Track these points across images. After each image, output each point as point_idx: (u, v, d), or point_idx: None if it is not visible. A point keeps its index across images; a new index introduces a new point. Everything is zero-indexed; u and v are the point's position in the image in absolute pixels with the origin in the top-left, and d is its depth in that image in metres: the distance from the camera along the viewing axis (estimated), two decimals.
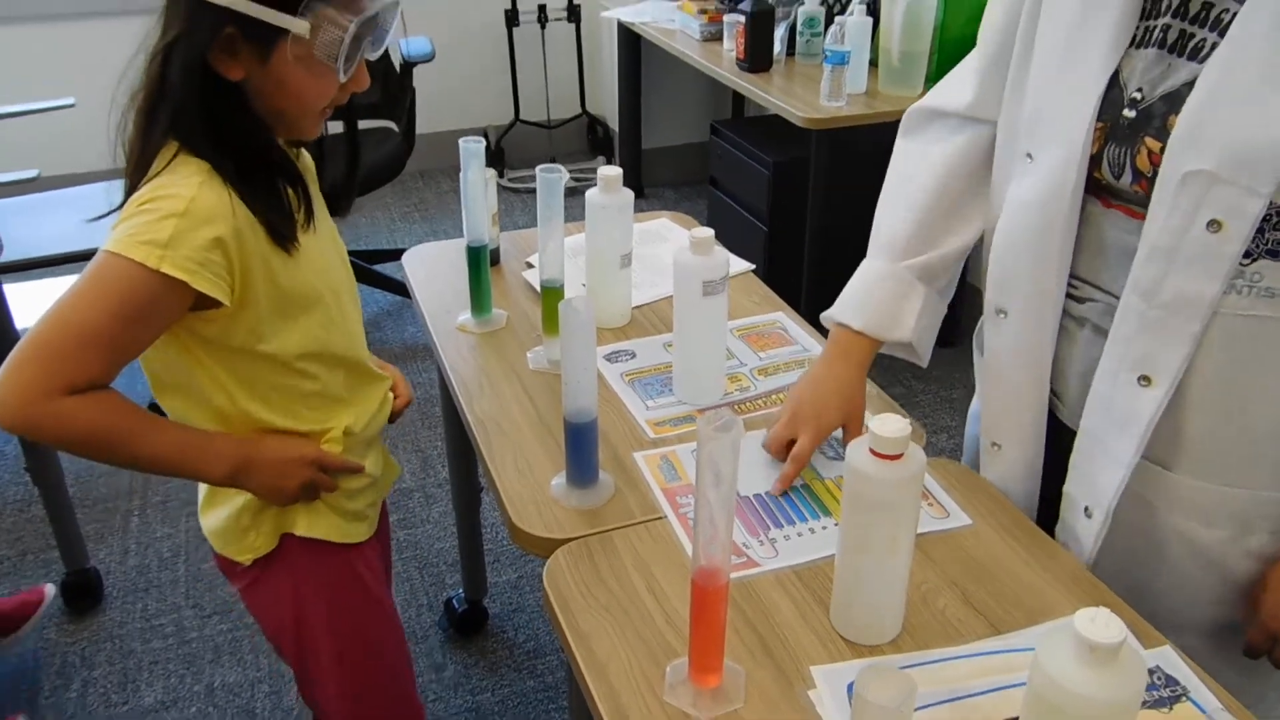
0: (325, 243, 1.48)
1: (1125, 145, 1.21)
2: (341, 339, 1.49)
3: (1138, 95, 1.20)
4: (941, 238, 1.50)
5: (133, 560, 2.82)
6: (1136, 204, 1.22)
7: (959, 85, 1.49)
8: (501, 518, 1.46)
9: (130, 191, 1.30)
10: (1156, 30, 1.19)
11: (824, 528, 1.38)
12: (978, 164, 1.47)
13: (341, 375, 1.51)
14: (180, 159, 1.28)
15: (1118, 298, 1.24)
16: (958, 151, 1.49)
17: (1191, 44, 1.16)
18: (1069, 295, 1.33)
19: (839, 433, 1.53)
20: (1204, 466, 1.25)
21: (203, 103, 1.27)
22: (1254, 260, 1.13)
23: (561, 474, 1.46)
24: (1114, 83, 1.22)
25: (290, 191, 1.37)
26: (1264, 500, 1.24)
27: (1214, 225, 1.13)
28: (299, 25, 1.25)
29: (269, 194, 1.33)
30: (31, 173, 3.38)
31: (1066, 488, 1.37)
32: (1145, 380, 1.22)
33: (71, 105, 3.48)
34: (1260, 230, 1.11)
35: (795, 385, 1.54)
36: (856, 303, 1.53)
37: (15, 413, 1.24)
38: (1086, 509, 1.33)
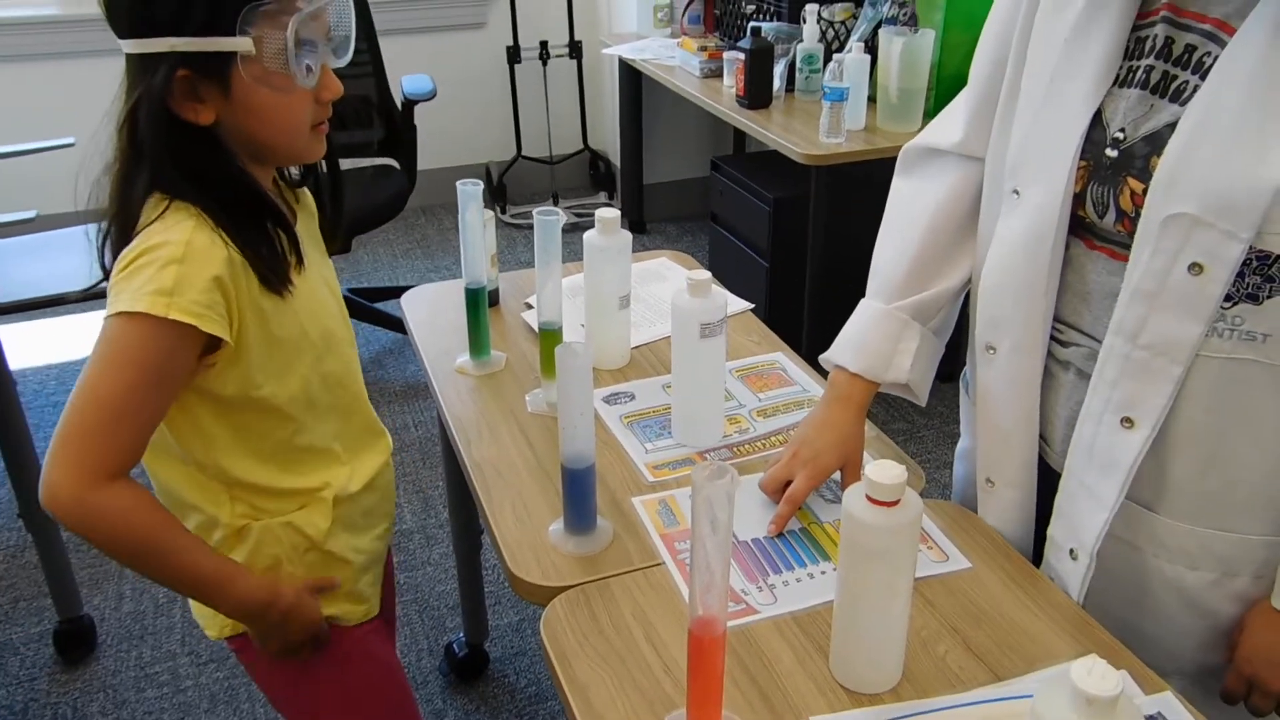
0: (318, 285, 1.45)
1: (1108, 185, 1.22)
2: (335, 386, 1.46)
3: (1120, 135, 1.21)
4: (934, 278, 1.50)
5: (127, 606, 2.79)
6: (1120, 245, 1.23)
7: (950, 123, 1.50)
8: (499, 561, 1.45)
9: (117, 249, 1.27)
10: (1140, 70, 1.20)
11: (823, 572, 1.37)
12: (970, 201, 1.47)
13: (335, 425, 1.47)
14: (170, 209, 1.26)
15: (1100, 342, 1.24)
16: (950, 189, 1.49)
17: (1174, 86, 1.17)
18: (1053, 338, 1.34)
19: (838, 475, 1.52)
20: (1188, 509, 1.25)
21: (179, 154, 1.26)
22: (1235, 304, 1.14)
23: (559, 520, 1.45)
24: (1096, 122, 1.23)
25: (280, 234, 1.35)
26: (1249, 544, 1.24)
27: (1195, 268, 1.13)
28: (242, 43, 1.22)
29: (258, 237, 1.31)
30: (29, 213, 3.38)
31: (1050, 530, 1.37)
32: (1128, 422, 1.23)
33: (71, 144, 3.48)
34: (1240, 274, 1.12)
35: (798, 427, 1.53)
36: (853, 344, 1.53)
37: (70, 507, 1.21)
38: (1071, 551, 1.33)
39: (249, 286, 1.29)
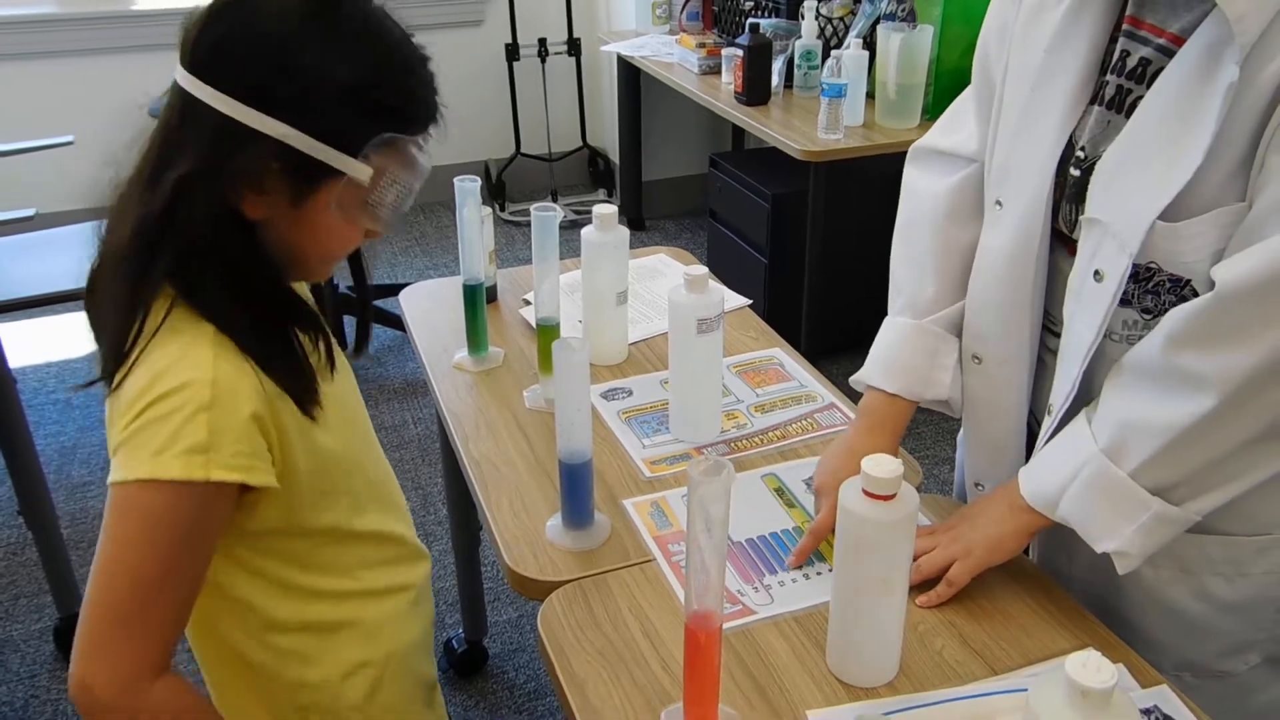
0: (343, 389, 1.29)
1: (1073, 202, 1.24)
2: (369, 501, 1.31)
3: (1081, 154, 1.23)
4: (960, 290, 1.46)
5: None
6: None
7: (953, 123, 1.51)
8: (498, 557, 1.45)
9: (116, 357, 1.08)
10: (1109, 87, 1.21)
11: (818, 573, 1.37)
12: (976, 201, 1.47)
13: (371, 550, 1.32)
14: (175, 319, 1.09)
15: None
16: (956, 191, 1.46)
17: (1129, 100, 1.18)
18: (1048, 329, 1.35)
19: None
20: None
21: (217, 248, 1.08)
22: (1154, 317, 1.18)
23: (557, 515, 1.46)
24: (1070, 139, 1.25)
25: (308, 339, 1.18)
26: (1206, 543, 1.25)
27: (1098, 275, 1.18)
28: (361, 170, 1.08)
29: (286, 354, 1.14)
30: (28, 212, 3.38)
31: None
32: (1049, 409, 1.30)
33: (70, 143, 3.48)
34: (1156, 292, 1.17)
35: (826, 452, 1.47)
36: (887, 364, 1.47)
37: (108, 712, 1.06)
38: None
39: (284, 409, 1.13)
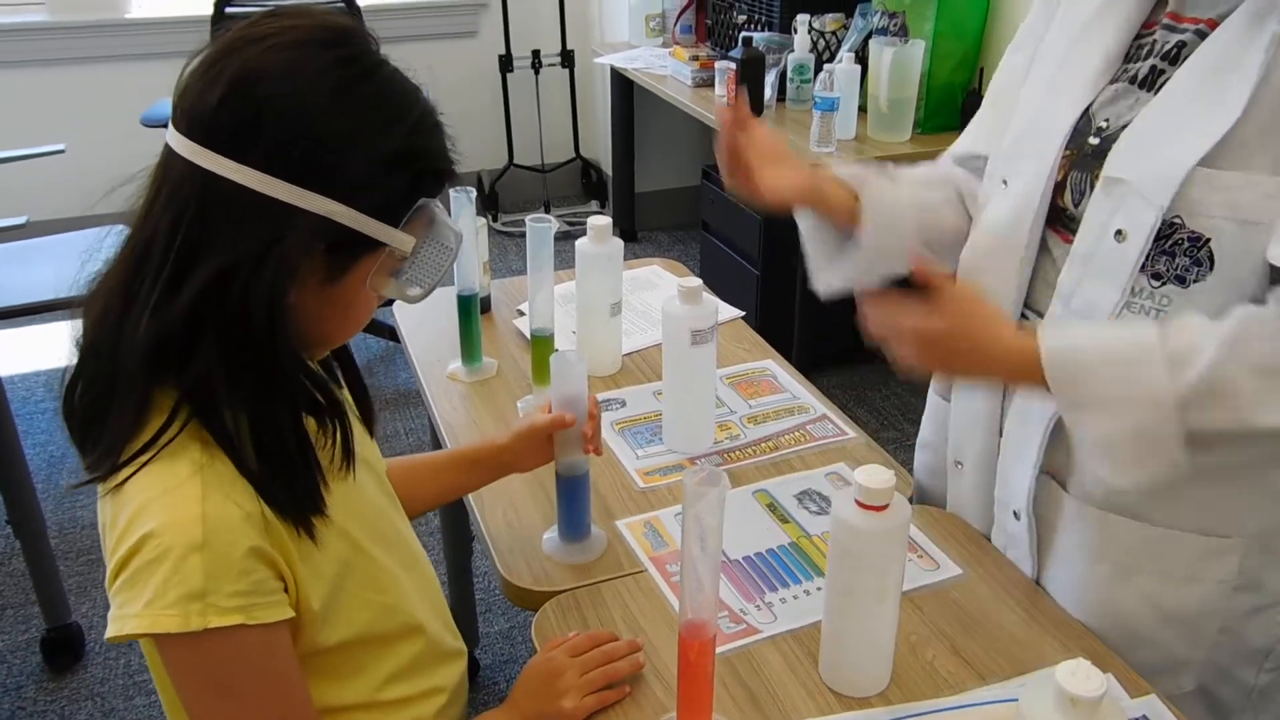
0: (361, 478, 1.18)
1: (1085, 171, 1.25)
2: (397, 600, 1.18)
3: (1104, 125, 1.25)
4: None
5: None
6: None
7: (967, 132, 1.55)
8: (492, 565, 1.45)
9: (112, 464, 0.98)
10: (1133, 71, 1.24)
11: (818, 589, 1.38)
12: (952, 206, 1.51)
13: (400, 655, 1.19)
14: (169, 437, 0.97)
15: None
16: (939, 175, 1.53)
17: (1159, 80, 1.20)
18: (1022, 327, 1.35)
19: (824, 487, 1.54)
20: (1094, 491, 1.28)
21: (251, 349, 0.97)
22: (1164, 283, 1.17)
23: (553, 528, 1.46)
24: (1085, 113, 1.27)
25: (321, 433, 1.06)
26: (1149, 534, 1.25)
27: (1120, 235, 1.18)
28: (403, 241, 1.02)
29: (290, 470, 1.01)
30: (20, 219, 3.37)
31: (996, 493, 1.41)
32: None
33: (62, 151, 3.47)
34: (1171, 253, 1.15)
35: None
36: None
37: None
38: (1015, 512, 1.36)
39: (286, 528, 1.01)
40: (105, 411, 0.99)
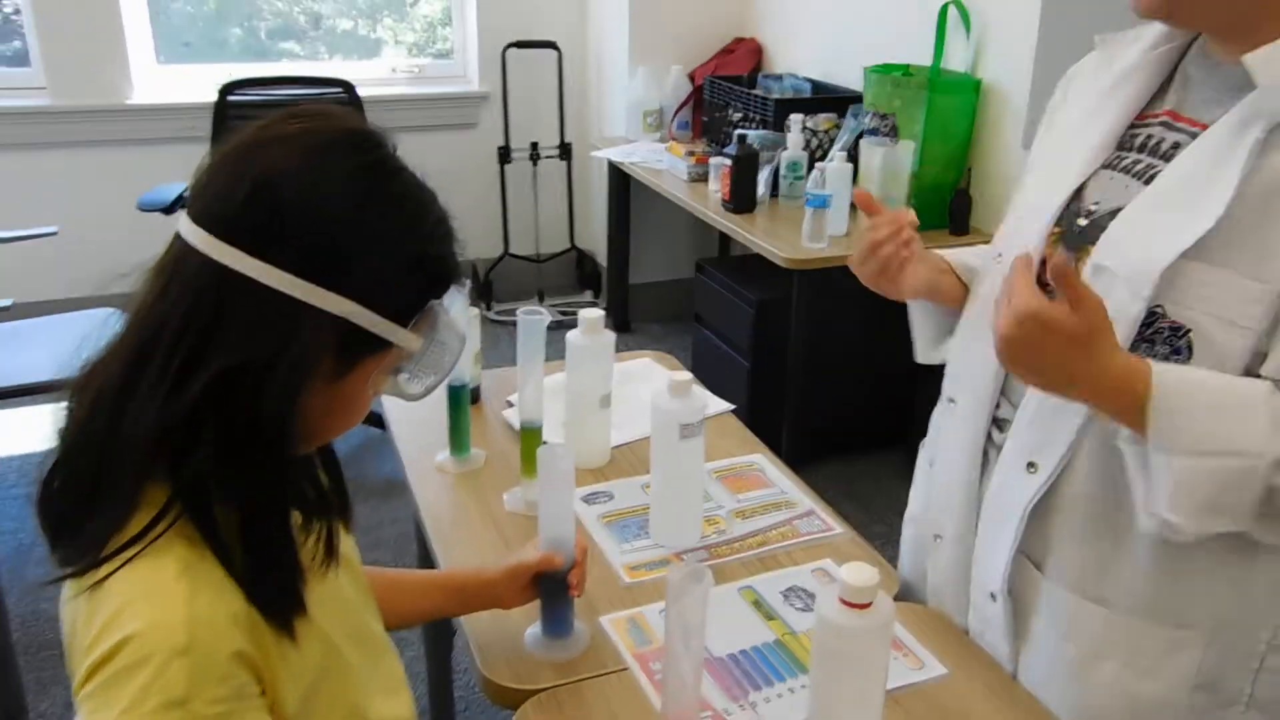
0: (342, 578, 1.17)
1: (1071, 250, 1.29)
2: (367, 703, 1.15)
3: (1094, 207, 1.28)
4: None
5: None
6: None
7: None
8: (473, 662, 1.44)
9: (93, 560, 0.94)
10: (1129, 160, 1.28)
11: (803, 687, 1.36)
12: None
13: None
14: (156, 534, 0.94)
15: None
16: None
17: (1151, 174, 1.24)
18: (994, 421, 1.39)
19: (810, 584, 1.53)
20: (1068, 573, 1.29)
21: (255, 449, 0.96)
22: None
23: (536, 624, 1.45)
24: (1078, 196, 1.31)
25: (304, 532, 1.05)
26: (1116, 624, 1.25)
27: None
28: (411, 341, 1.03)
29: (275, 567, 0.99)
30: (5, 302, 3.37)
31: (972, 574, 1.41)
32: (1032, 467, 1.29)
33: (54, 233, 3.47)
34: (1151, 340, 1.18)
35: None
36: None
37: None
38: (992, 594, 1.36)
39: (270, 630, 0.99)
40: (89, 504, 0.96)
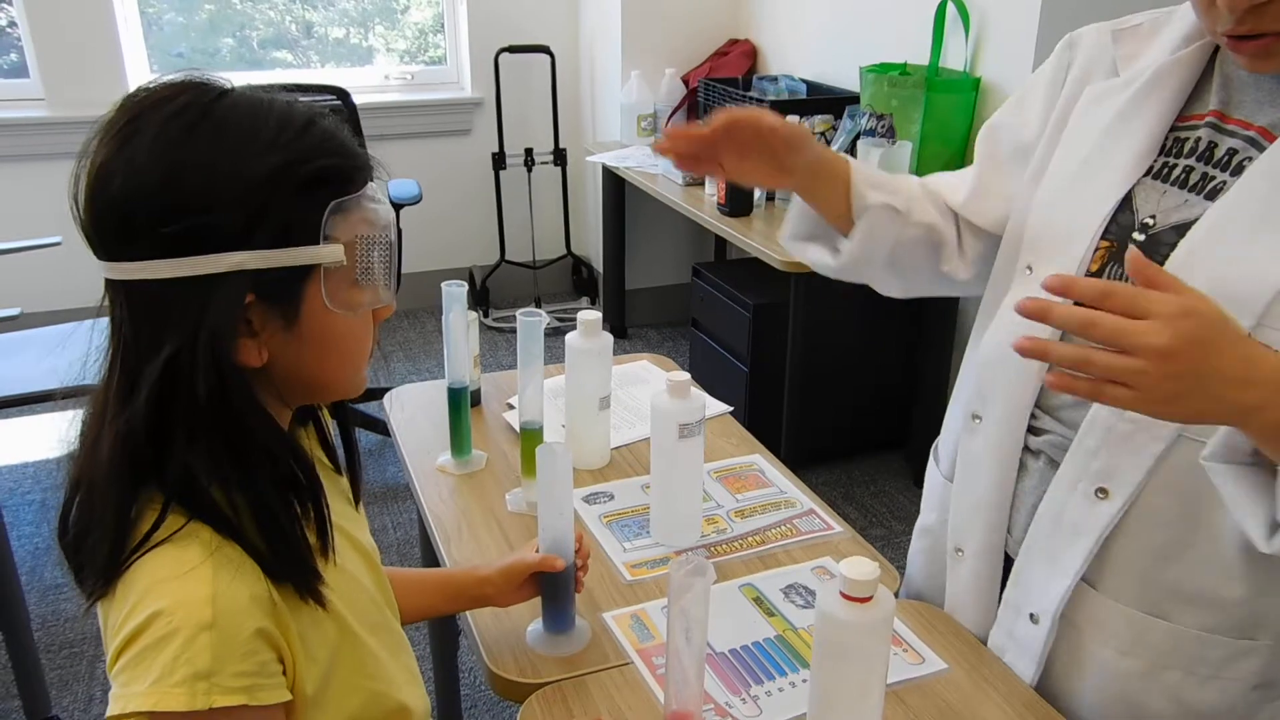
0: (345, 550, 1.17)
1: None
2: (385, 689, 1.16)
3: (1150, 221, 1.24)
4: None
5: (97, 708, 2.75)
6: None
7: (958, 183, 1.54)
8: (478, 659, 1.45)
9: (109, 573, 0.97)
10: (1179, 169, 1.24)
11: (804, 681, 1.37)
12: (927, 246, 1.51)
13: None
14: (169, 524, 0.97)
15: (1075, 431, 1.27)
16: (927, 222, 1.49)
17: (1211, 185, 1.20)
18: (1029, 428, 1.36)
19: (811, 581, 1.54)
20: (1131, 592, 1.26)
21: (222, 423, 0.96)
22: None
23: (537, 621, 1.46)
24: (1125, 207, 1.27)
25: (311, 511, 1.05)
26: (1182, 636, 1.24)
27: None
28: (330, 252, 0.98)
29: (286, 542, 1.01)
30: (13, 311, 3.39)
31: (1006, 594, 1.39)
32: (1102, 493, 1.24)
33: (58, 244, 3.50)
34: None
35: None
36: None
37: None
38: (1032, 615, 1.34)
39: (289, 611, 1.01)
40: (93, 527, 0.99)
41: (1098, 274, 1.28)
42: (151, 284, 0.93)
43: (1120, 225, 1.27)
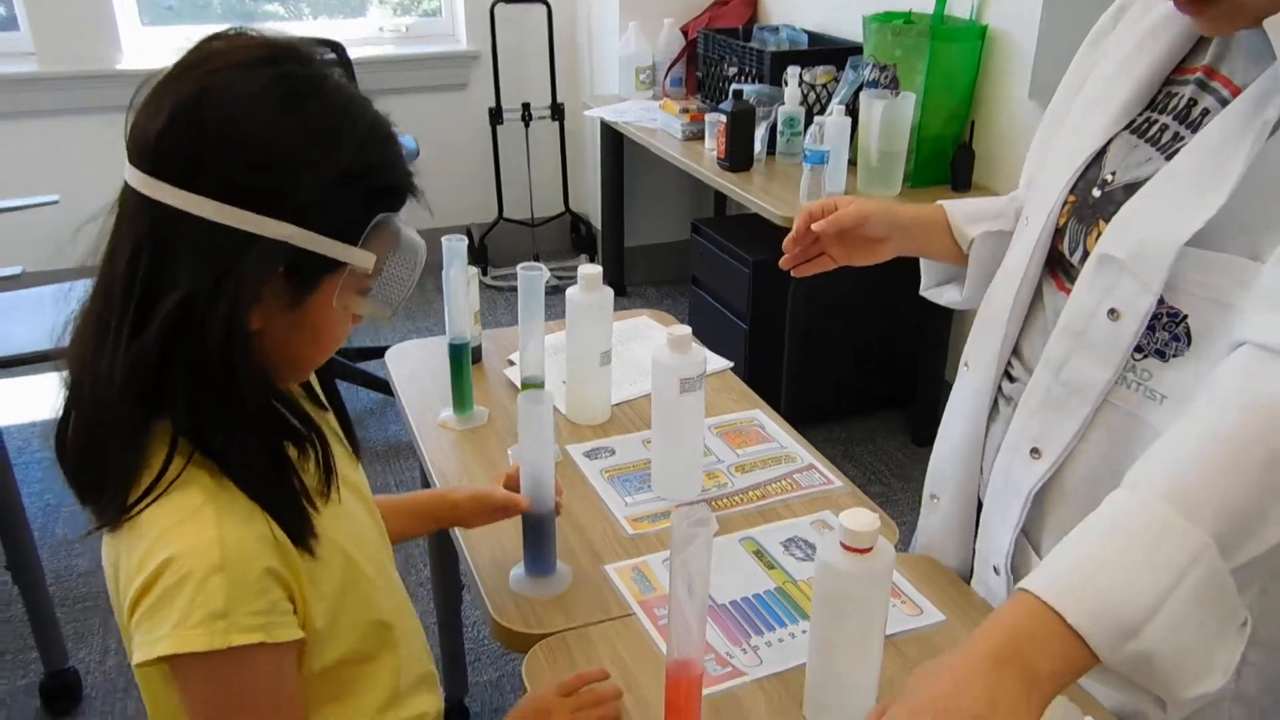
0: (348, 497, 1.20)
1: (1084, 223, 1.27)
2: (386, 619, 1.20)
3: (1109, 178, 1.25)
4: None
5: (112, 660, 2.78)
6: None
7: (1026, 167, 1.55)
8: (481, 613, 1.46)
9: (119, 505, 0.99)
10: (1156, 126, 1.24)
11: (803, 631, 1.39)
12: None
13: (397, 678, 1.22)
14: (176, 465, 0.99)
15: None
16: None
17: (1175, 147, 1.20)
18: (1007, 373, 1.38)
19: (810, 535, 1.55)
20: None
21: (224, 375, 0.97)
22: (1145, 356, 1.18)
23: (519, 565, 1.48)
24: (1098, 161, 1.28)
25: (302, 459, 1.07)
26: None
27: (1114, 314, 1.18)
28: (364, 259, 1.02)
29: (282, 486, 1.03)
30: (15, 269, 3.39)
31: (977, 545, 1.43)
32: (1036, 453, 1.28)
33: (56, 202, 3.49)
34: (1152, 328, 1.16)
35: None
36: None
37: None
38: (995, 568, 1.37)
39: (295, 550, 1.04)
40: (100, 453, 1.01)
41: (1063, 229, 1.30)
42: (196, 221, 0.94)
43: (1087, 180, 1.28)
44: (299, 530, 1.03)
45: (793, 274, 1.58)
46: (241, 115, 0.95)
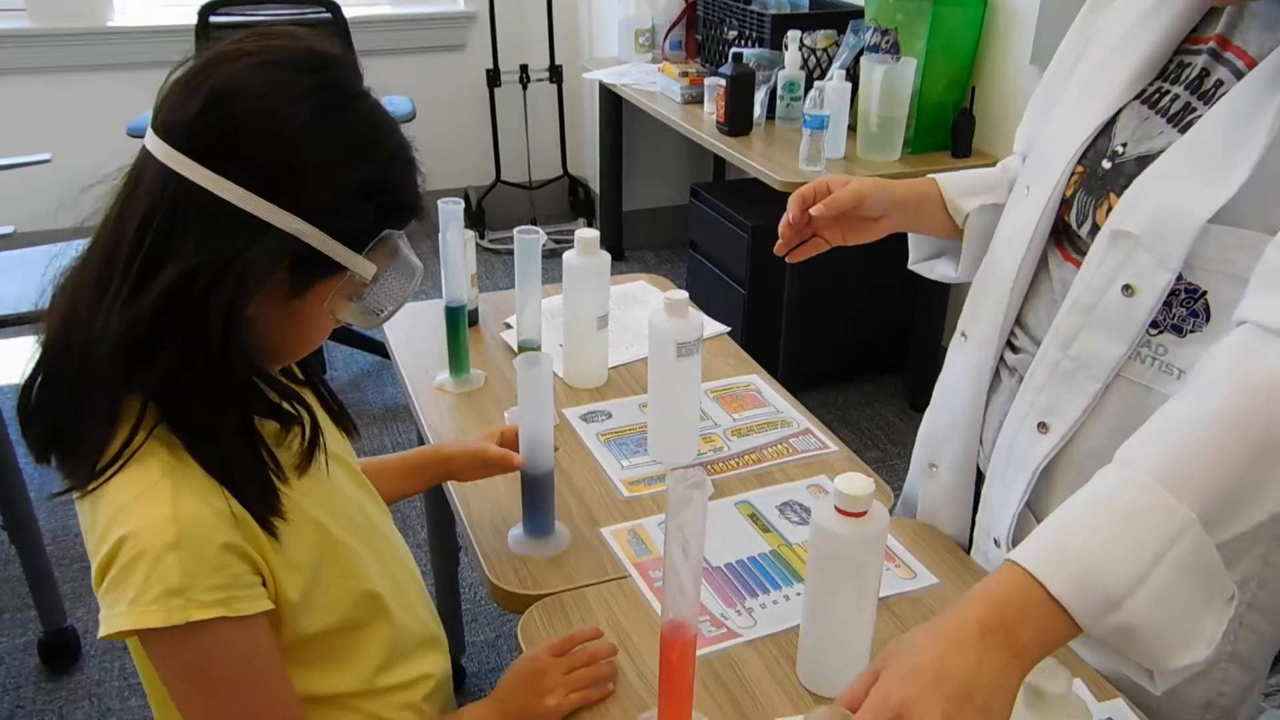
0: (336, 478, 1.23)
1: (1093, 195, 1.25)
2: (377, 589, 1.21)
3: (1120, 149, 1.24)
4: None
5: None
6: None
7: (1019, 132, 1.54)
8: (478, 574, 1.47)
9: (89, 471, 1.01)
10: (1168, 96, 1.22)
11: (798, 594, 1.40)
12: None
13: (394, 642, 1.23)
14: (138, 443, 1.00)
15: None
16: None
17: (1188, 118, 1.18)
18: (1009, 343, 1.38)
19: (806, 498, 1.56)
20: None
21: (212, 352, 0.99)
22: (1160, 331, 1.17)
23: (518, 526, 1.50)
24: (1107, 131, 1.27)
25: (284, 433, 1.10)
26: None
27: (1128, 290, 1.17)
28: (365, 267, 1.06)
29: (249, 466, 1.04)
30: (7, 229, 3.38)
31: (978, 517, 1.43)
32: (1043, 427, 1.28)
33: (48, 160, 3.47)
34: (1168, 303, 1.16)
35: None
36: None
37: None
38: (996, 540, 1.38)
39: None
40: (73, 413, 1.02)
41: (1070, 199, 1.29)
42: (214, 199, 0.97)
43: (1096, 151, 1.27)
44: (260, 505, 1.04)
45: (787, 260, 1.57)
46: (279, 113, 0.99)
